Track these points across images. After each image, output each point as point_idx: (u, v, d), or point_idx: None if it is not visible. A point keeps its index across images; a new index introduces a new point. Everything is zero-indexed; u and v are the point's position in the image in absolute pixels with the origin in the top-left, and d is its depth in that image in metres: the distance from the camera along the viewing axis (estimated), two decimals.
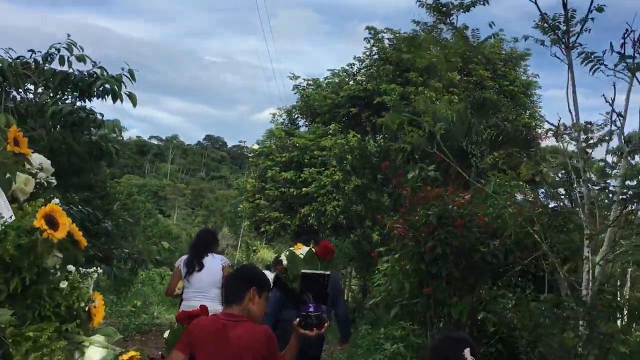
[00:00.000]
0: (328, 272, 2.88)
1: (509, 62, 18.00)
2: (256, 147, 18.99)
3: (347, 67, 17.91)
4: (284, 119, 19.62)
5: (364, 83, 16.33)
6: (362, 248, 10.42)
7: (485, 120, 11.41)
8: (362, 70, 17.26)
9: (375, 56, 16.66)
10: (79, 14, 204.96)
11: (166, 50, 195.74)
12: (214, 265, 5.15)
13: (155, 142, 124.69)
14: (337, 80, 18.10)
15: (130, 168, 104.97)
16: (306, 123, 19.29)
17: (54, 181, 2.10)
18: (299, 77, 19.20)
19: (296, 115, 19.46)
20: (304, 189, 15.78)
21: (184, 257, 5.28)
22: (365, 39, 16.67)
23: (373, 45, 16.60)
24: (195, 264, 5.11)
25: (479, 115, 11.28)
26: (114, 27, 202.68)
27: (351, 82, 17.20)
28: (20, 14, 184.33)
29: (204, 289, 5.08)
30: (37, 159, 2.03)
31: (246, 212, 18.67)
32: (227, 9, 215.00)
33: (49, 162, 2.10)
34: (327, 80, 18.69)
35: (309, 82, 19.19)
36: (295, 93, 19.19)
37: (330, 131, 16.24)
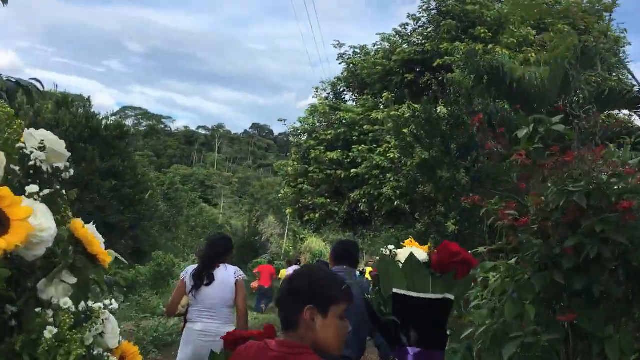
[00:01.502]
0: (451, 297, 1.74)
1: (592, 14, 15.19)
2: (298, 125, 16.76)
3: (399, 29, 15.46)
4: (328, 93, 17.33)
5: (421, 44, 13.90)
6: (434, 242, 8.06)
7: (585, 74, 8.95)
8: (418, 30, 14.78)
9: (434, 11, 14.15)
10: (126, 7, 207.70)
11: (211, 40, 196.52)
12: (227, 278, 4.42)
13: (202, 132, 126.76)
14: (387, 46, 15.71)
15: (178, 158, 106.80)
16: (353, 97, 16.97)
17: (68, 169, 1.30)
18: (344, 44, 16.89)
19: (342, 88, 17.14)
20: (352, 170, 13.53)
21: (191, 267, 4.58)
22: None
23: None
24: (204, 276, 4.36)
25: (577, 67, 8.82)
26: (160, 19, 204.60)
27: (405, 45, 14.78)
28: (68, 9, 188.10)
29: (213, 308, 4.36)
30: (38, 134, 1.28)
31: (288, 199, 16.52)
32: None
33: (61, 142, 1.30)
34: (376, 47, 16.31)
35: (356, 49, 16.84)
36: (340, 63, 16.91)
37: (382, 102, 13.90)
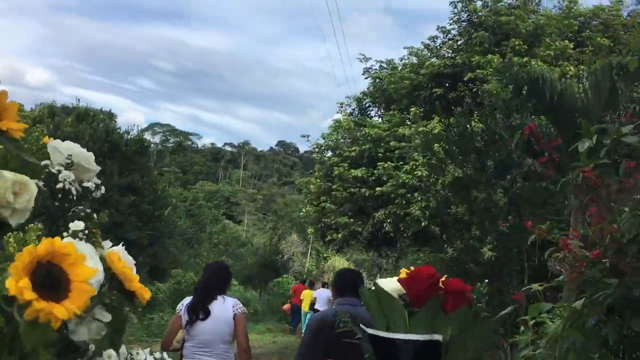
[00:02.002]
0: (439, 338, 1.29)
1: (632, 27, 14.38)
2: (321, 141, 16.13)
3: (428, 42, 14.81)
4: (353, 109, 16.71)
5: (451, 57, 13.22)
6: (467, 270, 7.17)
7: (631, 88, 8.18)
8: (448, 43, 14.11)
9: (465, 23, 13.48)
10: (157, 27, 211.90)
11: (239, 59, 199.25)
12: (224, 312, 4.10)
13: (228, 149, 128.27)
14: (415, 60, 15.08)
15: (204, 175, 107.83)
16: (379, 112, 16.33)
17: (99, 187, 1.15)
18: (370, 58, 16.30)
19: (367, 104, 16.50)
20: (377, 189, 12.83)
21: (188, 299, 4.26)
22: (451, 3, 13.53)
23: (462, 10, 13.41)
24: (199, 310, 4.07)
25: (624, 79, 8.07)
26: (189, 39, 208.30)
27: (434, 59, 14.12)
28: (102, 29, 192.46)
29: (209, 344, 4.06)
30: (64, 147, 1.13)
31: (310, 218, 15.84)
32: (297, 15, 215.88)
33: (89, 155, 1.16)
34: (403, 61, 15.68)
35: (382, 64, 16.24)
36: (366, 78, 16.31)
37: (410, 117, 13.22)
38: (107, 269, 1.04)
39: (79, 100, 18.87)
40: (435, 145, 9.10)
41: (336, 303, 3.75)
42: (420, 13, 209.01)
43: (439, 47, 14.50)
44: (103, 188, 1.16)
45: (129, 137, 17.99)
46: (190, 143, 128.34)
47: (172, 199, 22.15)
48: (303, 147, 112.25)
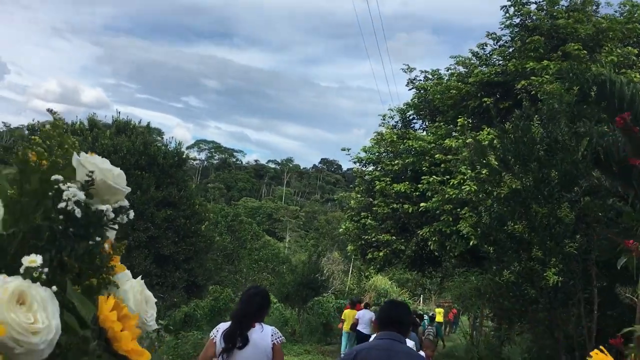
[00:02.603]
0: None
1: None
2: (362, 155, 15.38)
3: (477, 49, 13.95)
4: (396, 121, 15.95)
5: (502, 64, 12.33)
6: (526, 296, 6.10)
7: None
8: (499, 49, 13.21)
9: (518, 28, 12.57)
10: (205, 46, 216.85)
11: (283, 77, 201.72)
12: (263, 341, 3.89)
13: (272, 165, 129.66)
14: (463, 70, 14.24)
15: (247, 191, 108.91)
16: (424, 124, 15.51)
17: (125, 211, 1.02)
18: (414, 68, 15.53)
19: (411, 115, 15.72)
20: (421, 205, 11.99)
21: (223, 325, 4.08)
22: (502, 7, 12.65)
23: (515, 14, 12.51)
24: (237, 338, 3.85)
25: None
26: (235, 58, 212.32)
27: (483, 67, 13.26)
28: (152, 49, 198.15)
29: None
30: (89, 162, 1.00)
31: (350, 234, 15.03)
32: (341, 35, 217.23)
33: (120, 173, 1.03)
34: (450, 71, 14.86)
35: (427, 74, 15.45)
36: (410, 89, 15.54)
37: (457, 129, 12.36)
38: (94, 321, 0.89)
39: (119, 112, 18.76)
40: (489, 155, 8.22)
41: (375, 337, 3.50)
42: (466, 30, 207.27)
43: (488, 54, 13.63)
44: (132, 213, 1.03)
45: (167, 149, 17.66)
46: (234, 160, 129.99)
47: (211, 214, 21.72)
48: (346, 165, 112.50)
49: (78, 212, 0.93)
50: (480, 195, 8.20)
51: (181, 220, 16.92)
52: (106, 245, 1.00)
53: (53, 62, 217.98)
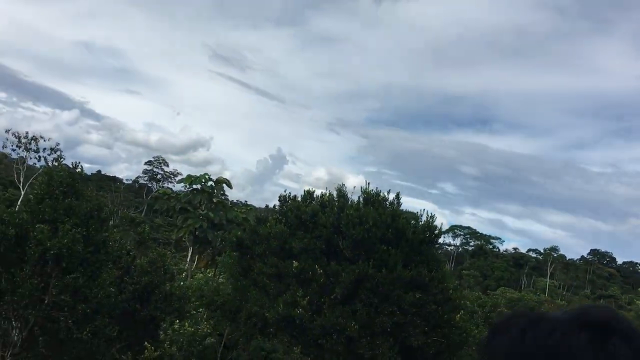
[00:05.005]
0: None
1: None
2: None
3: None
4: None
5: None
6: None
7: None
8: None
9: None
10: (463, 134, 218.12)
11: (545, 162, 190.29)
12: None
13: (533, 255, 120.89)
14: None
15: (505, 280, 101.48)
16: None
17: None
18: None
19: None
20: None
21: None
22: None
23: None
24: None
25: None
26: (494, 144, 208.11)
27: None
28: (412, 139, 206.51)
29: None
30: None
31: None
32: (612, 116, 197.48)
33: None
34: None
35: None
36: None
37: None
38: None
39: (368, 183, 17.55)
40: None
41: None
42: None
43: None
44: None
45: (417, 223, 15.62)
46: (491, 247, 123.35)
47: (467, 302, 18.72)
48: (621, 258, 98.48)
49: None
50: None
51: (432, 306, 14.41)
52: None
53: (323, 153, 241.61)
